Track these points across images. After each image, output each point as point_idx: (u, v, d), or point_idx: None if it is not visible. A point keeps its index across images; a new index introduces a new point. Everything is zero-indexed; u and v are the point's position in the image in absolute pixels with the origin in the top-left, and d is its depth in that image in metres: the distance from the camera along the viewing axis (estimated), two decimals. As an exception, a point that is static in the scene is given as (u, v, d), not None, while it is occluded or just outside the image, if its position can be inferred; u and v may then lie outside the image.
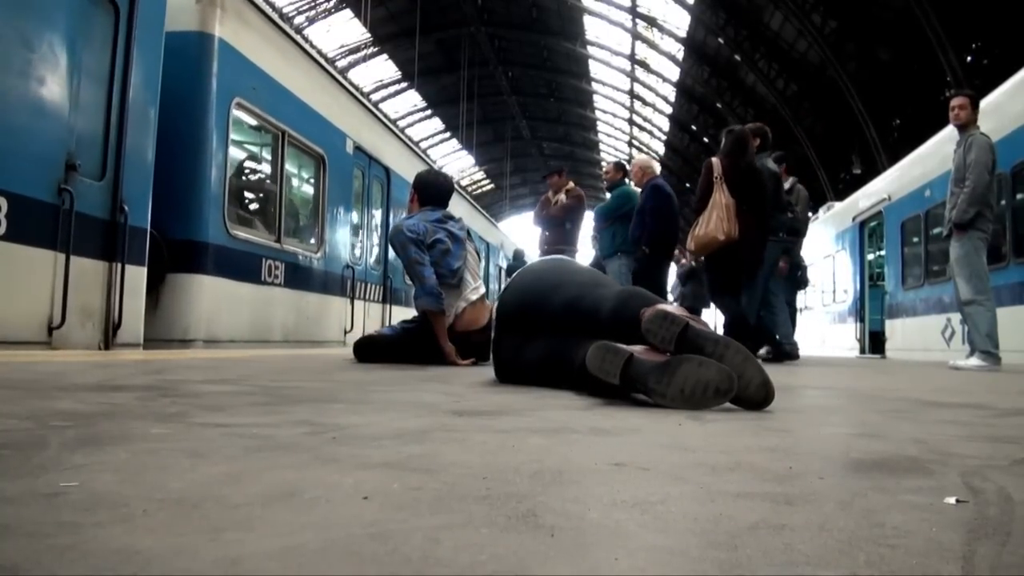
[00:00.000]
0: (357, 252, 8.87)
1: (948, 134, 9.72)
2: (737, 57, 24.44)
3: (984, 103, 8.86)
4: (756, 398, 1.81)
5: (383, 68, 31.58)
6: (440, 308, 4.15)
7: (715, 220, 5.41)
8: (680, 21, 26.39)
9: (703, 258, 5.97)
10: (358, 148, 8.63)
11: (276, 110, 6.63)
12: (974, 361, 5.48)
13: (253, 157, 7.31)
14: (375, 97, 30.64)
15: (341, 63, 27.85)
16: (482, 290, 4.55)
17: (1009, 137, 7.90)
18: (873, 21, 18.75)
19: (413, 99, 35.11)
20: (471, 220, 13.97)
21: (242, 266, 6.09)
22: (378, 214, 9.84)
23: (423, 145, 35.45)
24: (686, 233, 6.07)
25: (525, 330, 2.59)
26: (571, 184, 8.11)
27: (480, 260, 5.16)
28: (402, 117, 34.44)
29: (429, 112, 36.90)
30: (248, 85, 6.14)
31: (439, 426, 1.42)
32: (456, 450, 1.14)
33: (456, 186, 15.46)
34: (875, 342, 12.28)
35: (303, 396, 2.00)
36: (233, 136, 6.03)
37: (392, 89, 33.27)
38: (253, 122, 6.65)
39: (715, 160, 5.64)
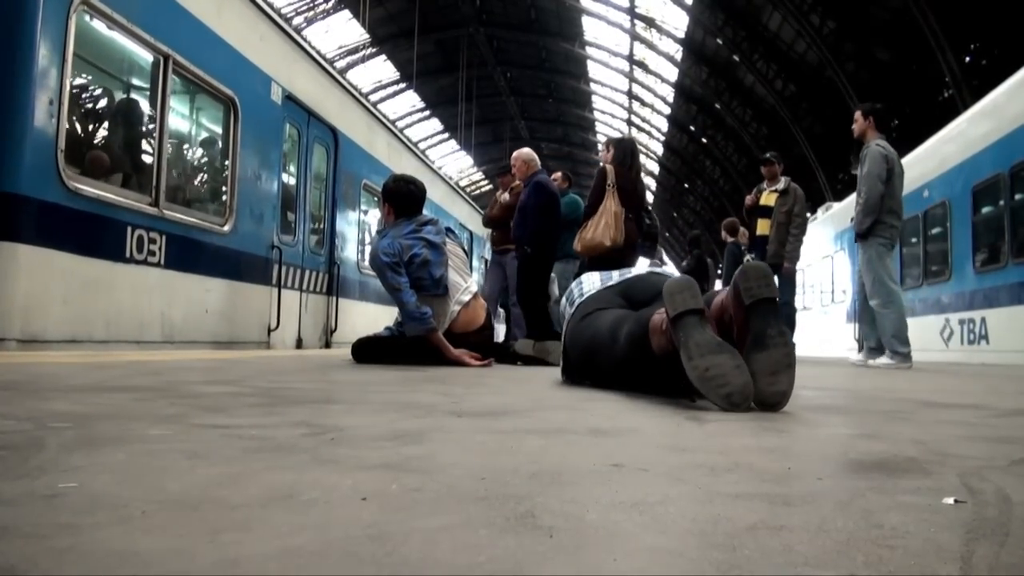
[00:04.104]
0: (289, 230, 7.11)
1: (946, 135, 9.78)
2: (736, 58, 24.44)
3: (982, 103, 8.92)
4: (770, 401, 1.84)
5: (382, 69, 31.58)
6: (429, 328, 4.08)
7: (603, 226, 5.62)
8: (678, 22, 26.40)
9: (587, 260, 6.01)
10: (290, 99, 6.86)
11: (154, 24, 4.86)
12: (884, 360, 5.72)
13: (114, 85, 5.36)
14: (374, 98, 30.64)
15: (340, 64, 27.84)
16: (474, 288, 4.48)
17: (1007, 137, 7.90)
18: (871, 22, 18.77)
19: (412, 100, 35.11)
20: (452, 206, 12.86)
21: (91, 235, 4.40)
22: (321, 185, 7.94)
23: (422, 146, 35.42)
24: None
25: (630, 300, 2.62)
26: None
27: (468, 255, 4.80)
28: (401, 118, 34.44)
29: (428, 113, 36.90)
30: None
31: (437, 427, 1.42)
32: (454, 451, 1.14)
33: (426, 158, 14.17)
34: (874, 342, 12.28)
35: (301, 397, 2.00)
36: (77, 50, 4.28)
37: (391, 90, 33.27)
38: (114, 36, 4.79)
39: (609, 167, 5.86)
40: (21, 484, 0.82)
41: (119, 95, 5.43)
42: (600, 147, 6.86)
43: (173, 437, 1.20)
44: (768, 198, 7.49)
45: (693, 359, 1.80)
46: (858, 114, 6.00)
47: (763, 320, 1.85)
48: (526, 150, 6.85)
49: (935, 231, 9.86)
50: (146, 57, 5.10)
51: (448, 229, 4.56)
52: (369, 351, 4.22)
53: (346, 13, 26.89)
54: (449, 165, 41.41)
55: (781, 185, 7.41)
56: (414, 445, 1.18)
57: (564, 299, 2.93)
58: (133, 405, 1.67)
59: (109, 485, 0.83)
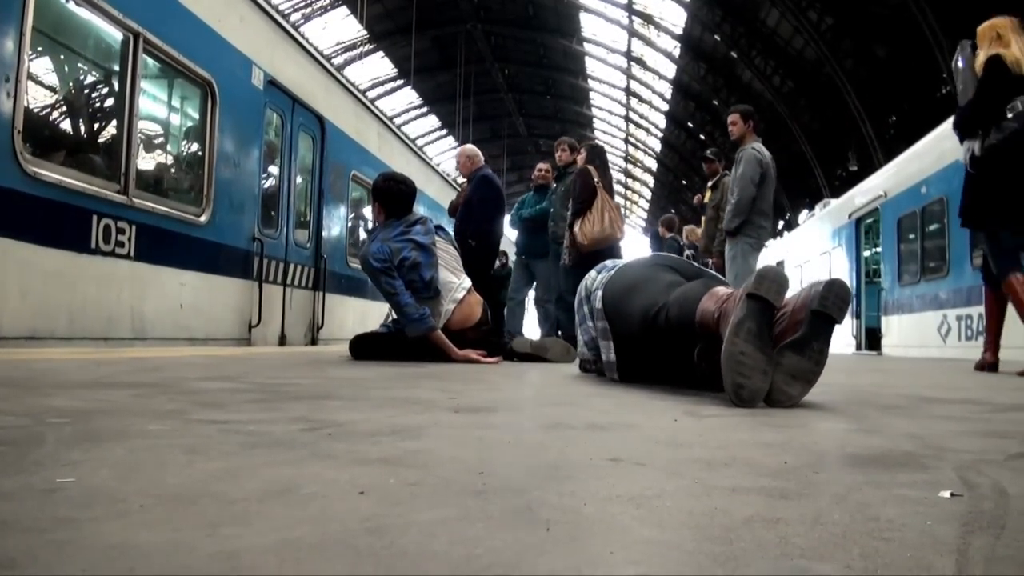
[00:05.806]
0: (271, 222, 6.81)
1: (944, 131, 9.77)
2: (733, 54, 24.44)
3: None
4: (775, 398, 1.85)
5: (379, 65, 31.55)
6: (429, 328, 4.05)
7: (608, 220, 5.97)
8: (676, 18, 26.41)
9: (579, 255, 6.10)
10: (273, 84, 6.58)
11: (123, 0, 4.68)
12: None
13: (80, 64, 5.09)
14: (372, 94, 30.57)
15: (337, 60, 27.78)
16: (468, 284, 4.41)
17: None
18: (869, 18, 18.77)
19: (409, 96, 35.07)
20: (447, 201, 12.46)
21: (52, 224, 4.16)
22: (306, 176, 7.63)
23: (419, 143, 35.38)
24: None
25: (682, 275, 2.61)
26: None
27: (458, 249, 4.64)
28: (399, 114, 34.39)
29: (425, 109, 36.86)
30: None
31: (435, 422, 1.43)
32: (452, 446, 1.15)
33: (420, 151, 13.59)
34: (871, 339, 12.31)
35: (299, 393, 2.00)
36: (36, 23, 4.01)
37: (388, 87, 33.22)
38: (79, 11, 4.59)
39: (590, 167, 6.17)
40: (20, 478, 0.82)
41: (85, 75, 5.15)
42: (562, 147, 6.96)
43: (172, 432, 1.20)
44: (708, 194, 7.57)
45: (738, 336, 1.81)
46: (736, 116, 6.06)
47: (815, 331, 1.87)
48: (469, 146, 6.91)
49: (932, 227, 9.87)
50: (115, 35, 4.83)
51: (438, 227, 4.49)
52: (367, 347, 4.21)
53: (343, 9, 26.84)
54: (447, 162, 41.35)
55: (718, 179, 7.43)
56: (412, 440, 1.18)
57: (594, 272, 2.92)
58: (132, 401, 1.67)
59: (108, 479, 0.83)
